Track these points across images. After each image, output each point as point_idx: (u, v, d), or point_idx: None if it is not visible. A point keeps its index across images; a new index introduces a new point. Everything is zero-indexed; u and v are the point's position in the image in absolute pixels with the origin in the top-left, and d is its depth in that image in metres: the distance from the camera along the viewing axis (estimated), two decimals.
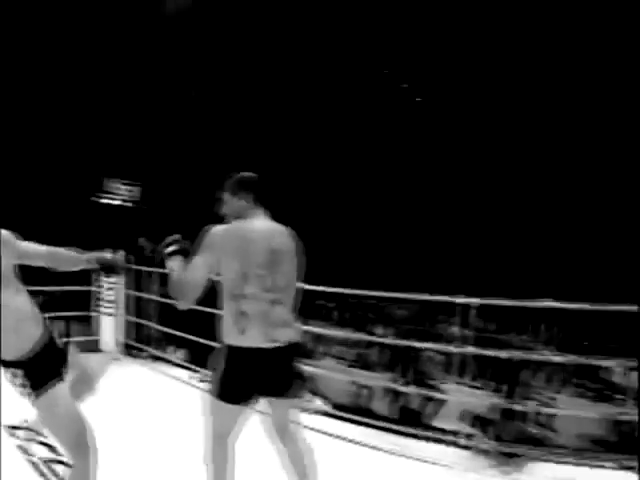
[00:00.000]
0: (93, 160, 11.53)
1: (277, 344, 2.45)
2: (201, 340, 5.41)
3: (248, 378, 2.46)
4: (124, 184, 12.48)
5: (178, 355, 6.28)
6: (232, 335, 2.44)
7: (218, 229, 2.50)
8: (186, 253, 2.55)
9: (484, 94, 11.06)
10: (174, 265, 2.52)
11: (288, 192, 10.02)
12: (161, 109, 11.85)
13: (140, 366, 6.25)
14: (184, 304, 2.46)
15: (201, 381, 5.45)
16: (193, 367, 5.81)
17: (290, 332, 2.52)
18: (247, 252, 2.44)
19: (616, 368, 6.76)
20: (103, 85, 11.21)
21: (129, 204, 12.49)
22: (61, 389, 2.41)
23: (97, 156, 11.54)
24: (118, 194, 12.44)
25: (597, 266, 9.68)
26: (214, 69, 11.97)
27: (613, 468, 4.01)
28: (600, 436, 5.10)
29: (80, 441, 2.41)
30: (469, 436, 4.09)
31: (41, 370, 2.37)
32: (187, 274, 2.46)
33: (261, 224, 2.56)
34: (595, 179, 10.41)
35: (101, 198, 12.25)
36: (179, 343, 6.47)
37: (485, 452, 3.98)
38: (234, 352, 2.44)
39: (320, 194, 12.22)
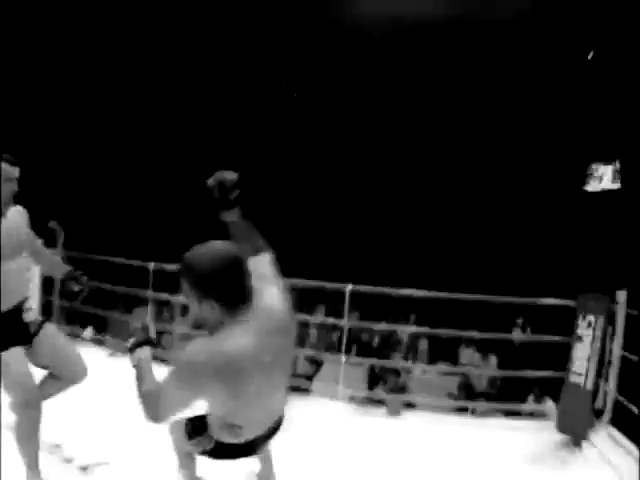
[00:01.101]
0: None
1: (272, 424, 2.25)
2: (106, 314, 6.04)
3: (239, 457, 2.33)
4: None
5: (87, 332, 6.63)
6: (222, 437, 2.18)
7: (199, 362, 1.85)
8: (152, 343, 2.14)
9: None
10: (142, 361, 2.06)
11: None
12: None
13: None
14: (155, 422, 1.99)
15: (112, 355, 5.99)
16: (104, 340, 6.36)
17: (284, 407, 2.31)
18: (246, 387, 1.94)
19: (465, 351, 8.11)
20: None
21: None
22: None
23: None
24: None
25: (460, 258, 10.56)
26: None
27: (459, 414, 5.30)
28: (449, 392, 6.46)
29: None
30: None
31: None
32: (162, 402, 1.94)
33: (250, 337, 1.92)
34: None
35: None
36: (84, 320, 6.85)
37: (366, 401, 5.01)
38: (225, 445, 2.21)
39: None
